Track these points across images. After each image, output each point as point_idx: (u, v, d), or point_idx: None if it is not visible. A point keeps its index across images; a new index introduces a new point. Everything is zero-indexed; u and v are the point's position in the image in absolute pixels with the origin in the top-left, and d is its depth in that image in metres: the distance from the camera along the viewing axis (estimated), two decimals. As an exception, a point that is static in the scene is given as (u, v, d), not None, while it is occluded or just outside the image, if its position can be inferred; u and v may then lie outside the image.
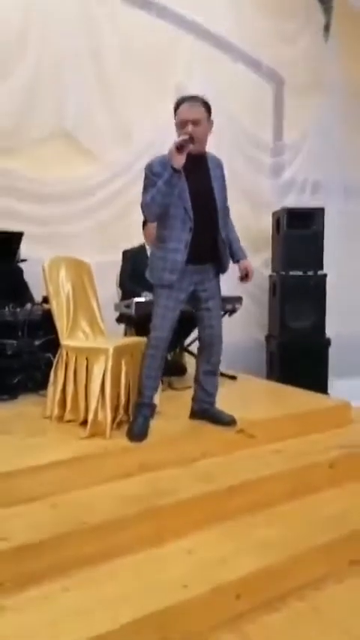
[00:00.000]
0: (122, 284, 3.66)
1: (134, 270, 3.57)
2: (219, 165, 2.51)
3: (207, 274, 2.50)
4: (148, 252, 3.56)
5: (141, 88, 4.23)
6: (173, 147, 2.20)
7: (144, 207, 2.37)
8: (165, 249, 2.39)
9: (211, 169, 2.45)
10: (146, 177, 2.37)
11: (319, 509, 2.20)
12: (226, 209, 2.58)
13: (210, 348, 2.57)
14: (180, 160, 2.21)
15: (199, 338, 2.62)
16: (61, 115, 3.99)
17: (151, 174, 2.34)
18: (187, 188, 2.34)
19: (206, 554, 1.85)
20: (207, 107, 2.37)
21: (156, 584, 1.69)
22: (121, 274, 3.70)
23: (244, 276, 2.59)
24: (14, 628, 1.49)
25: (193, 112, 2.31)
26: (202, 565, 1.79)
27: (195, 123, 2.30)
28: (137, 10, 4.28)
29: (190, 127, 2.29)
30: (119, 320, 3.63)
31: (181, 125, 2.32)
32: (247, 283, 2.67)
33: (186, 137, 2.22)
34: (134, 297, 3.30)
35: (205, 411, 2.62)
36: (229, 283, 4.48)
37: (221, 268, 2.54)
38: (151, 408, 2.51)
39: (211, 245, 2.44)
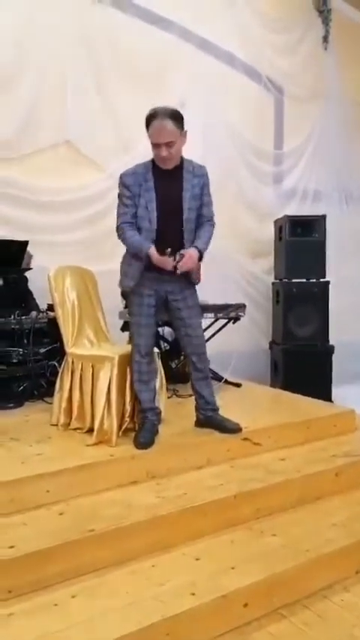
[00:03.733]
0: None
1: None
2: (198, 174, 2.45)
3: (178, 284, 2.48)
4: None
5: (142, 99, 4.25)
6: (158, 261, 2.31)
7: (118, 233, 2.48)
8: (128, 256, 2.47)
9: (185, 179, 2.42)
10: (119, 186, 2.46)
11: (326, 518, 2.20)
12: (202, 217, 2.49)
13: (191, 357, 2.58)
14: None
15: (182, 348, 2.64)
16: (62, 125, 4.01)
17: (123, 186, 2.42)
18: (155, 199, 2.37)
19: (214, 562, 1.85)
20: (177, 120, 2.31)
21: (164, 591, 1.69)
22: None
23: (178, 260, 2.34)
24: (23, 635, 1.49)
25: (165, 135, 2.27)
26: (210, 573, 1.79)
27: (168, 145, 2.31)
28: (139, 21, 4.32)
29: (164, 152, 2.31)
30: (124, 328, 3.64)
31: (154, 146, 2.34)
32: (183, 271, 2.38)
33: (172, 268, 2.33)
34: None
35: (209, 419, 2.62)
36: (232, 290, 4.48)
37: (190, 280, 2.51)
38: (155, 411, 2.53)
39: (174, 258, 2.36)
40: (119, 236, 2.48)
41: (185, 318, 2.52)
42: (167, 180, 2.40)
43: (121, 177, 2.43)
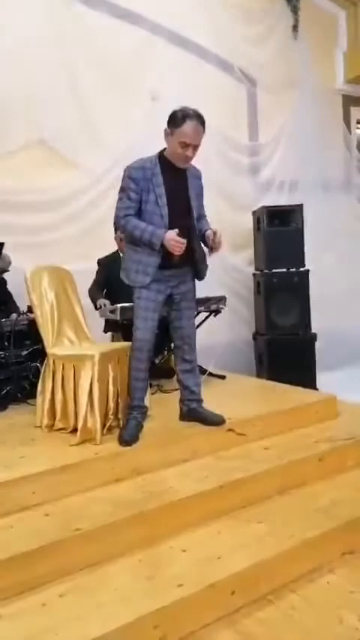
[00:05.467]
0: (89, 292, 3.65)
1: (108, 278, 3.57)
2: (197, 176, 2.55)
3: (184, 277, 2.53)
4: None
5: (115, 94, 4.25)
6: (172, 246, 2.29)
7: (118, 220, 2.42)
8: (140, 252, 2.43)
9: (189, 179, 2.48)
10: (124, 179, 2.42)
11: (310, 503, 2.24)
12: (200, 216, 2.59)
13: (182, 347, 2.61)
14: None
15: (172, 338, 2.67)
16: (35, 124, 3.98)
17: (129, 179, 2.38)
18: (166, 196, 2.38)
19: (200, 553, 1.88)
20: (204, 125, 2.35)
21: (151, 584, 1.71)
22: (92, 283, 3.70)
23: (214, 240, 2.44)
24: (12, 636, 1.50)
25: (199, 138, 2.34)
26: (197, 563, 1.82)
27: (196, 147, 2.35)
28: (109, 17, 4.30)
29: (191, 153, 2.35)
30: (106, 329, 3.64)
31: (181, 145, 2.32)
32: (218, 249, 2.47)
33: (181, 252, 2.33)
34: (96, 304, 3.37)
35: (193, 411, 2.64)
36: (213, 283, 4.49)
37: (198, 275, 2.57)
38: (142, 410, 2.54)
39: (186, 251, 2.40)
40: (123, 227, 2.43)
41: (183, 309, 2.57)
42: (175, 179, 2.42)
43: (128, 169, 2.38)
